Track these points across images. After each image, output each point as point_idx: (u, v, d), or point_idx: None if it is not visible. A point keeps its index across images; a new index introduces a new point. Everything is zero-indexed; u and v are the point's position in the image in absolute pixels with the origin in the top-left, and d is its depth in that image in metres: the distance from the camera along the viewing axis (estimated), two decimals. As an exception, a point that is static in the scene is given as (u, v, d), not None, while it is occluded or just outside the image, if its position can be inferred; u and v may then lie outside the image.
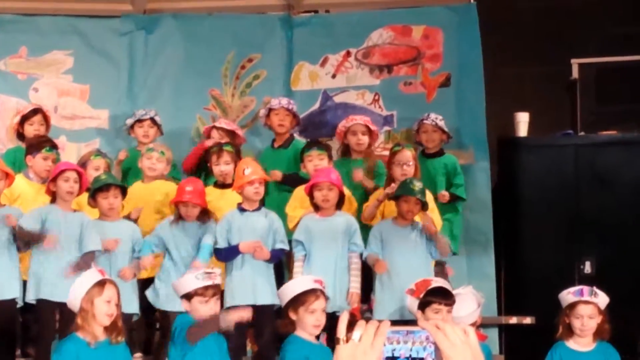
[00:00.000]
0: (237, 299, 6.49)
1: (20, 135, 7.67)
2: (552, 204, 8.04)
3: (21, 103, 8.35)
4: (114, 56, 8.72)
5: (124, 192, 6.78)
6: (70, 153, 8.25)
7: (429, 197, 6.93)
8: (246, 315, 5.72)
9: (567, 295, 5.96)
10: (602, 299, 5.93)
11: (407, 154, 7.16)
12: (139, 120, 7.89)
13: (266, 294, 6.54)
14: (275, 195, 7.46)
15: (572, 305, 5.90)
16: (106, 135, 8.56)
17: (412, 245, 6.71)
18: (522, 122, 8.46)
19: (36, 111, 7.70)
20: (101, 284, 5.39)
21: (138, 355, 6.76)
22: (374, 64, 8.68)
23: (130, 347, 5.93)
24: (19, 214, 6.55)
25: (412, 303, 5.92)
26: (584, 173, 8.11)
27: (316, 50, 8.73)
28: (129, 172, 7.77)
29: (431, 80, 8.60)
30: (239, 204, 6.74)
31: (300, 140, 8.01)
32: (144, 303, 6.70)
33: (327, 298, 5.71)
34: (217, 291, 5.69)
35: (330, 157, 7.31)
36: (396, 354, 1.93)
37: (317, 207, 6.80)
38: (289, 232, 6.89)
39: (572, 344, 5.93)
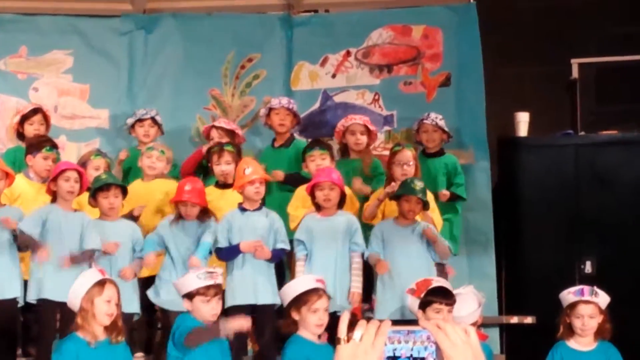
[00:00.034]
0: (238, 299, 6.49)
1: (20, 135, 7.66)
2: (552, 204, 8.04)
3: (21, 103, 8.34)
4: (114, 56, 8.71)
5: (124, 191, 6.78)
6: (70, 153, 8.24)
7: (430, 196, 6.93)
8: (246, 324, 5.70)
9: (568, 295, 5.96)
10: (603, 299, 5.93)
11: (408, 154, 7.16)
12: (140, 120, 7.89)
13: (267, 293, 6.54)
14: (276, 195, 7.46)
15: (573, 305, 5.90)
16: (106, 135, 8.56)
17: (413, 245, 6.70)
18: (522, 122, 8.45)
19: (36, 111, 7.69)
20: (101, 283, 5.39)
21: (139, 354, 6.76)
22: (374, 63, 8.68)
23: (132, 346, 5.94)
24: (19, 214, 6.55)
25: (413, 303, 5.91)
26: (584, 173, 8.10)
27: (316, 50, 8.72)
28: (130, 172, 7.77)
29: (431, 80, 8.59)
30: (240, 204, 6.74)
31: (301, 139, 8.02)
32: (145, 302, 6.70)
33: (329, 297, 5.71)
34: (219, 291, 5.68)
35: (332, 156, 7.31)
36: (397, 354, 1.93)
37: (318, 207, 6.80)
38: (291, 232, 6.89)
39: (573, 343, 5.93)
